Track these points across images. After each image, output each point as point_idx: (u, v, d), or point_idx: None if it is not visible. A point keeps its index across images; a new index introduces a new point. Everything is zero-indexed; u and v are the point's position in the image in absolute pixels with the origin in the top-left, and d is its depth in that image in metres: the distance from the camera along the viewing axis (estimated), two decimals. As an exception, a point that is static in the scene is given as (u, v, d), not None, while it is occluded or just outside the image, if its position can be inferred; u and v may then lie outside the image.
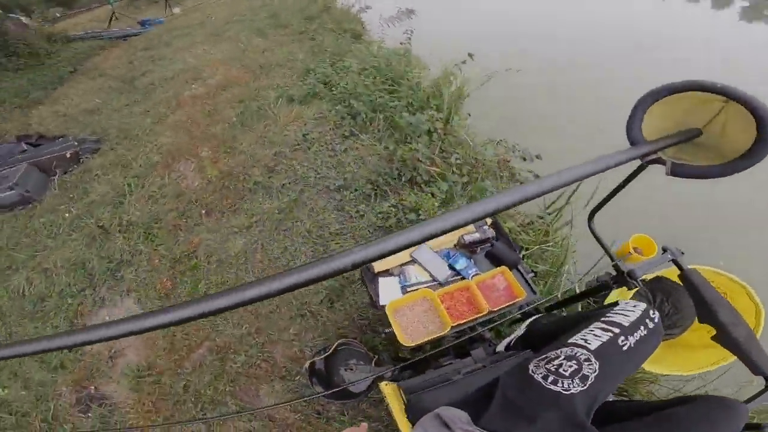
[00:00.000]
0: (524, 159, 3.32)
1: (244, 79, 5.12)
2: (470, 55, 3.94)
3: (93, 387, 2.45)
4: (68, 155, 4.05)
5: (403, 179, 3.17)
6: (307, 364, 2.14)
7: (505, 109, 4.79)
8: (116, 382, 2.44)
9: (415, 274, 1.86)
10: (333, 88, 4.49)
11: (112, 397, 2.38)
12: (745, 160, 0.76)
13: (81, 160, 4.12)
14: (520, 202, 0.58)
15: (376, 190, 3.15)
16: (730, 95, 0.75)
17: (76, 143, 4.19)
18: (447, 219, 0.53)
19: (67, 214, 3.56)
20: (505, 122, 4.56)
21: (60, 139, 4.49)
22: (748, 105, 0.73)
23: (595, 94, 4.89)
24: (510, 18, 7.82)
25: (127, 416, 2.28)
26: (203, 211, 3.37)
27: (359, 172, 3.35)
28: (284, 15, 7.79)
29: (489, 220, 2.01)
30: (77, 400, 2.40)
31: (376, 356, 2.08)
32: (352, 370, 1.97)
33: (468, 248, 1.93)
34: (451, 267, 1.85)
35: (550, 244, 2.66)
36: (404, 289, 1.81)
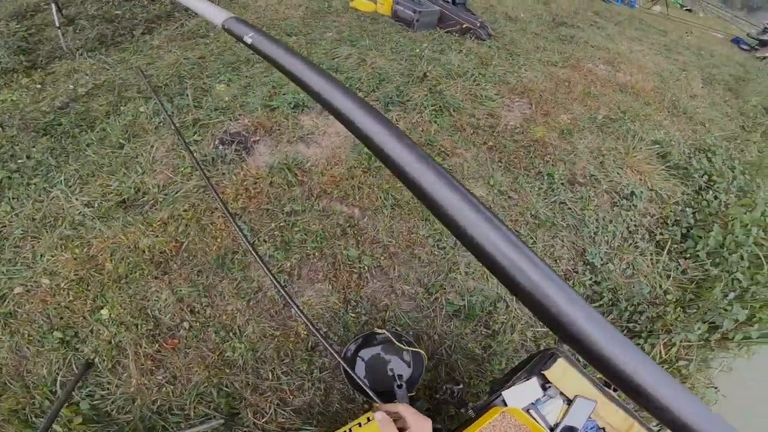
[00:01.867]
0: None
1: (649, 98, 3.99)
2: None
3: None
4: (464, 26, 4.09)
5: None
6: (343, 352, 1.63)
7: None
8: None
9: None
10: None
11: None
12: None
13: (466, 36, 4.12)
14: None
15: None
16: None
17: (479, 24, 4.17)
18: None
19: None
20: None
21: (474, 16, 4.54)
22: None
23: None
24: None
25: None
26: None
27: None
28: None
29: None
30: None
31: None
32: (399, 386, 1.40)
33: None
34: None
35: None
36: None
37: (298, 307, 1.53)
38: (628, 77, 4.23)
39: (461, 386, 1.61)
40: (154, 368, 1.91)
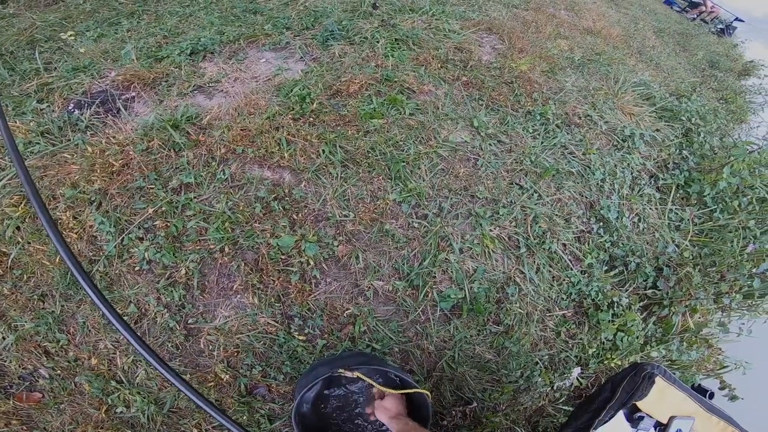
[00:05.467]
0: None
1: (616, 43, 3.44)
2: None
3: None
4: None
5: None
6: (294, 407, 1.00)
7: None
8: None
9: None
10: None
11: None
12: None
13: None
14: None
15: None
16: None
17: None
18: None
19: None
20: None
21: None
22: None
23: None
24: None
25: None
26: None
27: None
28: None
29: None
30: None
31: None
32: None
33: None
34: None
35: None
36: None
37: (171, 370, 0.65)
38: (591, 23, 3.63)
39: (474, 405, 1.34)
40: (24, 430, 1.28)
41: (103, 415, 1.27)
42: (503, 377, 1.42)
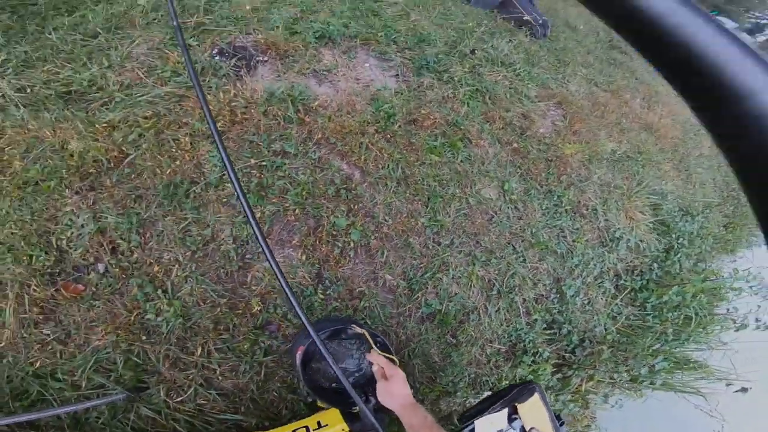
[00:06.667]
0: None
1: (666, 145, 3.57)
2: None
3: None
4: (524, 18, 3.47)
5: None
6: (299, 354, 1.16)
7: None
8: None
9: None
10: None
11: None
12: None
13: (522, 28, 3.49)
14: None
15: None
16: None
17: (540, 21, 3.55)
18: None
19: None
20: None
21: (538, 12, 3.87)
22: None
23: None
24: None
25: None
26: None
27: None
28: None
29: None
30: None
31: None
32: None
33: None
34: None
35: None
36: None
37: (278, 266, 0.87)
38: (657, 119, 3.73)
39: (411, 391, 1.40)
40: (40, 319, 1.32)
41: (132, 319, 1.32)
42: (438, 378, 1.69)
